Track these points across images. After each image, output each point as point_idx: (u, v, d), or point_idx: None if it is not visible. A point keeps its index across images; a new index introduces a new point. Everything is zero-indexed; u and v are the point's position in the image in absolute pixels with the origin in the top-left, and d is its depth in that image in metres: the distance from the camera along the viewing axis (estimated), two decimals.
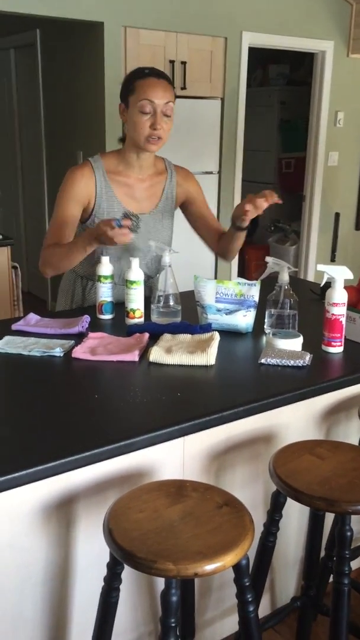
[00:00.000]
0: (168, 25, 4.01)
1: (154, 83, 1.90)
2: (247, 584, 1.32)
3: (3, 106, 5.61)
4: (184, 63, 4.12)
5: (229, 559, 1.19)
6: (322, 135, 4.96)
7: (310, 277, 5.14)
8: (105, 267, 1.95)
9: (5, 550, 1.37)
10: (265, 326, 1.87)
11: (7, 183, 5.80)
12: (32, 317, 1.94)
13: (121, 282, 2.02)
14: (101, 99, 3.95)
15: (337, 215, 5.22)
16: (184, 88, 4.14)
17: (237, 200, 4.74)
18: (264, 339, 1.84)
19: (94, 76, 4.03)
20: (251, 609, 1.35)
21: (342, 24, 4.78)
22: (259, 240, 6.12)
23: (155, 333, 1.81)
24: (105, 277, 1.95)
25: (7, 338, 1.77)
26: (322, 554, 1.91)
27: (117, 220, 1.73)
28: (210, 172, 4.52)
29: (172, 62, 4.07)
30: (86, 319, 1.89)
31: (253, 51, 4.57)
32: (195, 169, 4.43)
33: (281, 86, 5.94)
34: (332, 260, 5.31)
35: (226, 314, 1.87)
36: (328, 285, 1.76)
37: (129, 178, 2.03)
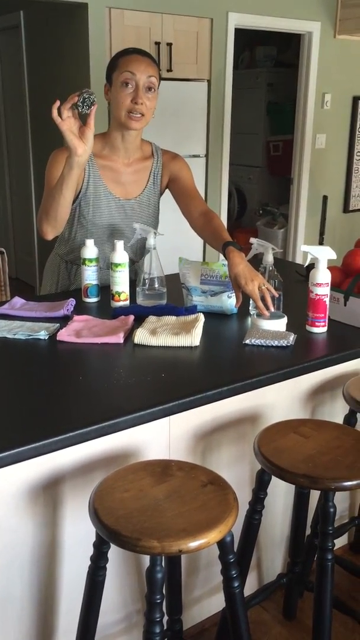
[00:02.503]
0: (153, 6, 3.97)
1: (137, 58, 1.89)
2: (232, 560, 1.34)
3: None
4: (169, 45, 4.08)
5: (213, 535, 1.20)
6: (310, 118, 4.94)
7: (299, 260, 5.15)
8: (90, 250, 1.94)
9: None
10: (250, 307, 1.88)
11: None
12: (17, 300, 1.94)
13: (106, 267, 2.02)
14: (86, 80, 3.91)
15: (325, 198, 5.22)
16: (169, 70, 4.11)
17: (225, 183, 4.73)
18: (249, 320, 1.85)
19: (78, 58, 3.98)
20: (236, 584, 1.37)
21: (328, 5, 4.75)
22: (247, 224, 6.11)
23: (140, 315, 1.81)
24: (90, 260, 1.94)
25: None
26: (308, 532, 1.94)
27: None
28: (198, 156, 4.50)
29: (157, 43, 4.03)
30: (71, 302, 1.89)
31: (240, 32, 4.53)
32: (182, 152, 4.39)
33: (268, 68, 5.90)
34: (321, 243, 5.32)
35: (211, 295, 1.87)
36: (312, 265, 1.77)
37: (114, 162, 2.02)
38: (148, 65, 1.89)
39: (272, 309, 1.75)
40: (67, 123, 1.69)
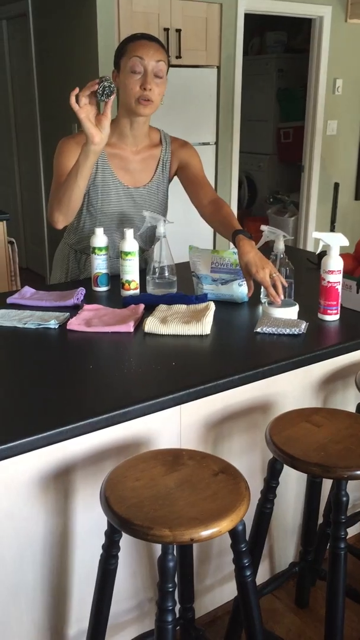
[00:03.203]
0: None
1: (145, 44, 1.87)
2: (244, 549, 1.34)
3: None
4: (178, 31, 4.04)
5: (225, 524, 1.19)
6: (321, 104, 4.89)
7: (310, 248, 5.12)
8: (100, 238, 1.93)
9: (4, 519, 1.38)
10: (261, 295, 1.86)
11: (2, 157, 5.75)
12: (27, 290, 1.93)
13: (115, 256, 2.01)
14: (95, 67, 3.88)
15: (337, 185, 5.17)
16: (179, 57, 4.07)
17: (235, 171, 4.69)
18: (260, 308, 1.83)
19: (86, 45, 3.96)
20: (248, 573, 1.36)
21: None
22: (257, 212, 6.07)
23: (150, 304, 1.80)
24: (100, 249, 1.93)
25: (1, 311, 1.77)
26: (321, 520, 1.93)
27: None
28: (207, 143, 4.47)
29: (166, 30, 3.99)
30: (81, 291, 1.88)
31: (249, 18, 4.48)
32: (192, 139, 4.37)
33: (279, 54, 5.83)
34: (332, 230, 5.28)
35: (222, 284, 1.86)
36: (324, 253, 1.75)
37: (123, 150, 2.00)
38: (156, 50, 1.86)
39: (283, 297, 1.73)
40: (84, 110, 1.67)
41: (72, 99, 1.65)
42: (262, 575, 1.94)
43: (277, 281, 1.72)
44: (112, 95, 1.66)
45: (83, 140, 1.80)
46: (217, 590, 1.88)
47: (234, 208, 4.72)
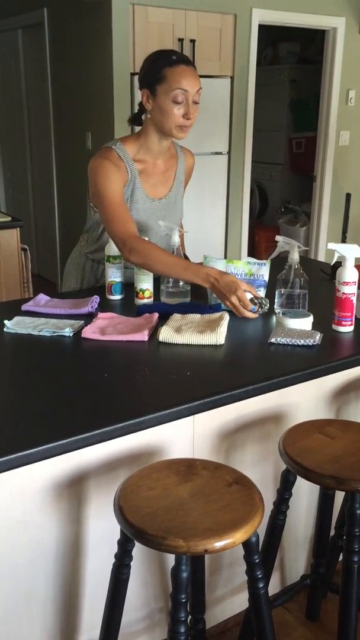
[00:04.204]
0: (176, 2, 3.96)
1: (186, 72, 1.84)
2: (257, 561, 1.33)
3: (11, 87, 5.57)
4: (192, 41, 4.07)
5: (239, 535, 1.19)
6: (333, 114, 4.90)
7: (321, 259, 5.11)
8: (115, 247, 1.94)
9: (18, 527, 1.39)
10: (275, 306, 1.86)
11: (16, 165, 5.79)
12: (42, 297, 1.94)
13: (130, 265, 2.01)
14: (109, 78, 3.91)
15: (348, 195, 5.16)
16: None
17: (247, 181, 4.70)
18: (274, 318, 1.83)
19: (102, 55, 3.99)
20: (261, 585, 1.36)
21: (353, 0, 4.69)
22: (269, 222, 6.07)
23: (164, 313, 1.80)
24: (115, 258, 1.94)
25: (17, 318, 1.78)
26: (332, 532, 1.92)
27: (252, 307, 1.77)
28: (220, 153, 4.49)
29: (180, 40, 4.02)
30: (95, 299, 1.89)
31: (263, 29, 4.50)
32: (205, 149, 4.44)
33: (292, 64, 5.85)
34: (343, 241, 5.27)
35: None
36: (338, 264, 1.75)
37: (147, 165, 2.01)
38: (196, 77, 1.86)
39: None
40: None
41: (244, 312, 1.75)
42: (273, 587, 1.93)
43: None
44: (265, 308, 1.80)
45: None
46: (228, 602, 1.87)
47: (245, 217, 4.73)
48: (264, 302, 1.80)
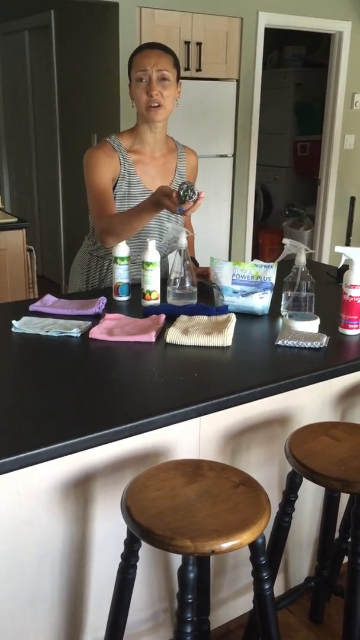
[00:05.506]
0: (183, 5, 3.97)
1: (147, 53, 1.93)
2: (263, 562, 1.34)
3: (18, 88, 5.59)
4: (199, 44, 4.08)
5: (246, 537, 1.20)
6: (339, 118, 4.90)
7: (326, 262, 5.11)
8: (122, 248, 1.94)
9: (24, 527, 1.39)
10: (281, 308, 1.87)
11: (21, 166, 5.80)
12: (49, 298, 1.95)
13: (137, 261, 2.02)
14: (116, 80, 3.92)
15: (353, 199, 5.17)
16: (199, 70, 4.11)
17: (252, 184, 4.71)
18: (281, 321, 1.84)
19: (108, 58, 4.00)
20: (267, 587, 1.36)
21: (359, 4, 4.70)
22: (273, 225, 6.08)
23: (171, 314, 1.81)
24: (122, 259, 1.95)
25: (24, 319, 1.79)
26: (337, 535, 1.92)
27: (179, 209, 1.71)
28: (225, 155, 4.49)
29: (187, 43, 4.03)
30: (102, 300, 1.89)
31: (269, 32, 4.51)
32: (210, 151, 4.45)
33: (297, 68, 5.86)
34: (347, 245, 5.27)
35: (242, 295, 1.86)
36: (345, 267, 1.75)
37: (144, 156, 2.05)
38: (158, 56, 1.92)
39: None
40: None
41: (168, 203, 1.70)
42: (277, 589, 1.92)
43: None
44: (195, 197, 1.68)
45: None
46: (232, 603, 1.87)
47: (250, 220, 4.74)
48: (188, 193, 1.69)
